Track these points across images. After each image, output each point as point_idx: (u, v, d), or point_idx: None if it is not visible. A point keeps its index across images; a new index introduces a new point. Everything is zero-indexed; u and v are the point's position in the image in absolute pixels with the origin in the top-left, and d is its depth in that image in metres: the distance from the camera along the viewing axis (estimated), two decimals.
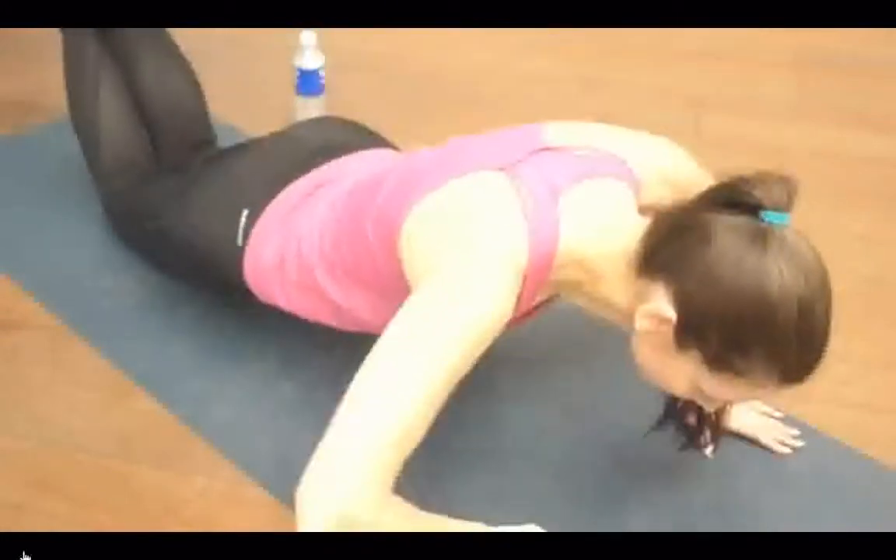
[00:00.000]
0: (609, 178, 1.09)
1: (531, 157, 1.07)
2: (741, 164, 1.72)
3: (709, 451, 1.27)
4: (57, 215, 1.69)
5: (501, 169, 1.05)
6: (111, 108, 1.58)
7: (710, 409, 1.09)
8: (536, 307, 1.18)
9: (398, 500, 0.99)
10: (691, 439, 1.23)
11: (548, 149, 1.10)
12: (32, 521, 1.18)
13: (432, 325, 0.97)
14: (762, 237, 0.92)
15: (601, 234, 1.04)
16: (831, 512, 1.21)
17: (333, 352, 1.37)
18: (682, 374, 1.00)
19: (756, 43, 2.40)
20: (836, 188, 1.85)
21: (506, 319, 1.01)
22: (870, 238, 1.70)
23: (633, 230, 1.03)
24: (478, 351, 1.00)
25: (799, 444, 1.29)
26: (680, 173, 1.21)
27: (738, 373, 0.95)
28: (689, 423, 1.24)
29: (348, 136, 1.45)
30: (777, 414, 1.33)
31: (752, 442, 1.29)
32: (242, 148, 1.49)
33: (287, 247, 1.25)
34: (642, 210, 1.10)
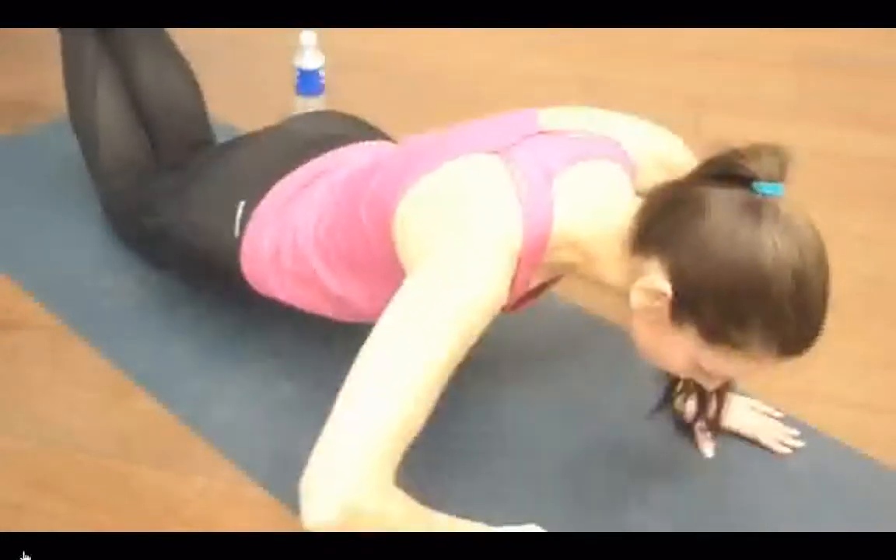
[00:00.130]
0: (604, 160, 1.09)
1: (525, 141, 1.07)
2: None
3: (709, 451, 1.27)
4: (57, 215, 1.69)
5: (495, 152, 1.04)
6: (109, 108, 1.58)
7: (710, 387, 1.08)
8: (535, 292, 1.18)
9: (401, 493, 0.99)
10: (695, 420, 1.23)
11: (542, 133, 1.10)
12: (32, 521, 1.18)
13: (426, 309, 0.97)
14: (755, 209, 0.92)
15: (595, 215, 1.04)
16: (831, 512, 1.21)
17: (333, 351, 1.37)
18: (680, 351, 1.00)
19: (756, 43, 2.40)
20: (836, 188, 1.85)
21: (501, 302, 1.01)
22: (870, 238, 1.70)
23: (627, 210, 1.03)
24: (473, 334, 0.99)
25: (799, 444, 1.29)
26: (675, 158, 1.21)
27: (736, 345, 0.95)
28: (688, 414, 1.24)
29: (346, 129, 1.45)
30: (777, 414, 1.33)
31: (752, 442, 1.29)
32: (238, 141, 1.49)
33: (283, 236, 1.25)
34: (638, 194, 1.10)
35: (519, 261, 1.01)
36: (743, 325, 0.93)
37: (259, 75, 2.22)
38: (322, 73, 1.98)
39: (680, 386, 1.23)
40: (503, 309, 1.10)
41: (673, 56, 2.34)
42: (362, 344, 0.99)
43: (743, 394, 1.34)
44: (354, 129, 1.46)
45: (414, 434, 0.98)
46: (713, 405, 1.21)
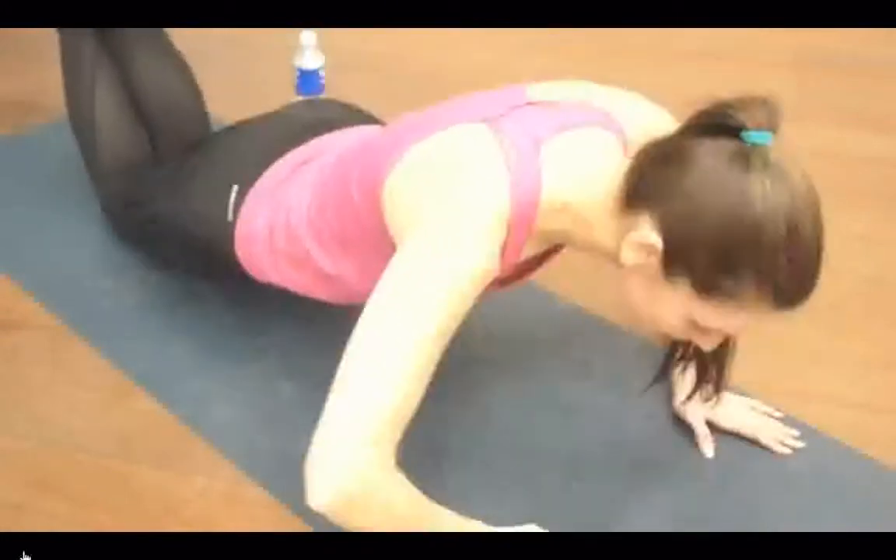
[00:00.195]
0: (595, 127, 1.08)
1: (513, 112, 1.06)
2: None
3: (709, 451, 1.27)
4: (57, 215, 1.69)
5: (484, 121, 1.04)
6: (108, 108, 1.58)
7: (707, 347, 1.07)
8: (530, 265, 1.18)
9: (402, 476, 0.99)
10: (695, 391, 1.23)
11: (531, 104, 1.09)
12: (32, 521, 1.18)
13: (415, 283, 0.97)
14: (744, 156, 0.91)
15: (585, 179, 1.03)
16: (831, 512, 1.21)
17: (334, 351, 1.37)
18: (673, 307, 0.99)
19: (756, 43, 2.40)
20: (836, 188, 1.84)
21: (492, 272, 1.00)
22: (870, 238, 1.70)
23: (617, 173, 1.01)
24: (465, 305, 0.99)
25: (799, 444, 1.29)
26: (666, 130, 1.21)
27: (730, 296, 0.94)
28: (687, 384, 1.24)
29: (341, 114, 1.45)
30: (777, 414, 1.33)
31: (752, 442, 1.29)
32: (232, 128, 1.50)
33: (276, 218, 1.25)
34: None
35: (509, 228, 1.00)
36: (735, 274, 0.92)
37: (259, 75, 2.22)
38: (322, 73, 1.98)
39: (679, 353, 1.22)
40: (500, 284, 1.10)
41: (673, 56, 2.34)
42: None
43: (743, 394, 1.34)
44: (351, 116, 1.46)
45: (411, 412, 0.98)
46: (713, 373, 1.20)
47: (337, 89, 2.01)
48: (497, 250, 1.00)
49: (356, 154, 1.17)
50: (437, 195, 1.00)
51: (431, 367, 0.98)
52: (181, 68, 1.63)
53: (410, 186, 1.03)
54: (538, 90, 1.13)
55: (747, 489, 1.24)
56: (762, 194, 0.90)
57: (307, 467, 0.96)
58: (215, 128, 1.67)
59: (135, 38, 1.59)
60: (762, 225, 0.90)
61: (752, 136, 0.92)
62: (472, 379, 1.39)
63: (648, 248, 0.97)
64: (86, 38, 1.59)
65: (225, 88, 1.96)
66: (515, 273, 1.14)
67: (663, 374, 1.24)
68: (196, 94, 1.63)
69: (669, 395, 1.33)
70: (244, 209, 1.29)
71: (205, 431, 1.30)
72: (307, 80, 1.97)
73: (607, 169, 1.03)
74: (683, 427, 1.30)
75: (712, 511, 1.21)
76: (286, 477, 1.23)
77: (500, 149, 1.01)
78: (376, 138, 1.15)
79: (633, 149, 1.13)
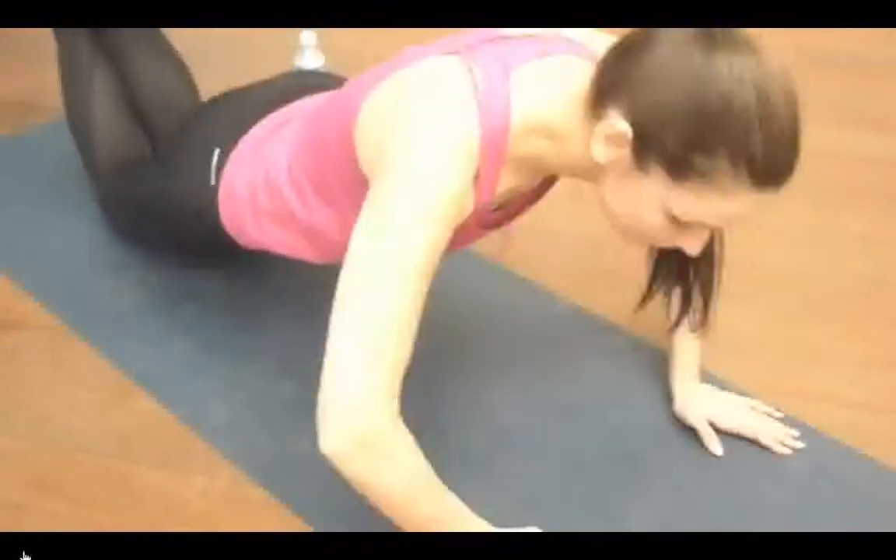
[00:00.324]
0: (569, 55, 1.07)
1: (486, 44, 1.06)
2: None
3: (718, 449, 1.27)
4: (57, 215, 1.69)
5: (455, 53, 1.04)
6: (105, 108, 1.58)
7: (692, 250, 1.04)
8: (519, 205, 1.18)
9: (409, 436, 0.99)
10: (679, 321, 1.23)
11: (503, 38, 1.09)
12: (32, 521, 1.18)
13: (389, 220, 0.96)
14: (708, 35, 0.91)
15: (556, 97, 1.02)
16: (831, 512, 1.21)
17: None
18: (651, 202, 0.97)
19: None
20: (836, 188, 1.85)
21: (465, 201, 1.00)
22: (870, 238, 1.70)
23: (587, 85, 1.00)
24: (441, 237, 0.98)
25: (799, 444, 1.29)
26: None
27: (704, 176, 0.92)
28: (672, 313, 1.25)
29: (327, 82, 1.45)
30: (777, 414, 1.33)
31: (752, 442, 1.29)
32: (213, 98, 1.50)
33: (256, 176, 1.26)
34: None
35: (481, 155, 0.99)
36: (708, 149, 0.91)
37: (259, 75, 2.20)
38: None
39: (663, 273, 1.21)
40: (490, 224, 1.10)
41: None
42: None
43: (743, 394, 1.35)
44: (333, 81, 1.46)
45: (407, 354, 0.97)
46: (699, 301, 1.20)
47: None
48: (469, 178, 0.99)
49: (331, 101, 1.17)
50: (405, 129, 0.99)
51: (419, 303, 0.97)
52: (178, 68, 1.63)
53: (379, 121, 1.03)
54: (513, 30, 1.12)
55: (747, 489, 1.24)
56: (728, 66, 0.89)
57: (319, 413, 0.96)
58: None
59: (131, 38, 1.59)
60: (730, 95, 0.89)
61: None
62: (472, 379, 1.39)
63: (618, 139, 0.95)
64: (82, 37, 1.59)
65: (225, 88, 1.96)
66: (504, 213, 1.14)
67: (648, 296, 1.23)
68: (194, 93, 1.63)
69: (670, 396, 1.33)
70: (226, 171, 1.30)
71: (205, 431, 1.30)
72: None
73: (579, 86, 1.01)
74: (684, 427, 1.30)
75: (712, 511, 1.21)
76: (286, 477, 1.24)
77: (469, 78, 1.00)
78: (353, 82, 1.14)
79: None
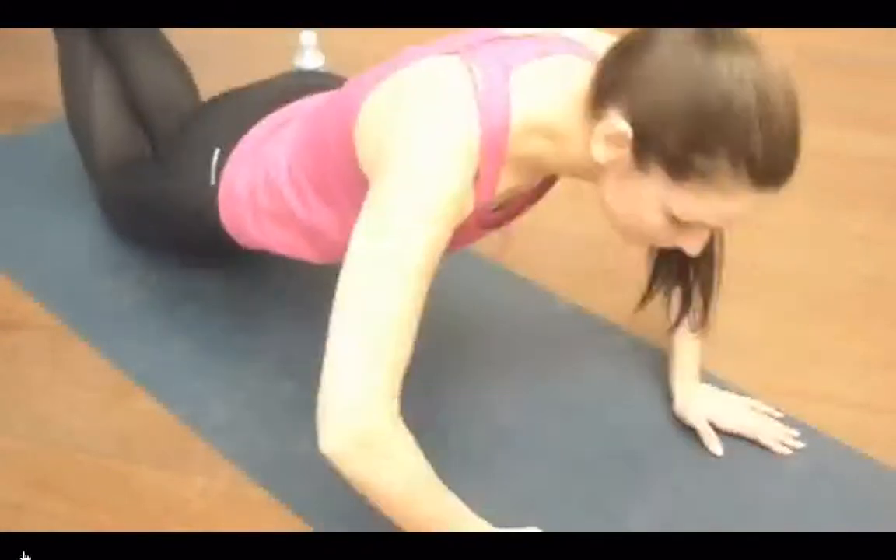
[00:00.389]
0: (569, 55, 1.07)
1: (486, 44, 1.06)
2: None
3: (718, 449, 1.27)
4: (57, 215, 1.69)
5: (455, 53, 1.04)
6: (105, 108, 1.58)
7: (693, 251, 1.04)
8: (520, 204, 1.18)
9: (409, 436, 0.99)
10: (678, 322, 1.23)
11: (503, 38, 1.09)
12: (32, 521, 1.18)
13: (389, 221, 0.96)
14: (708, 35, 0.91)
15: (556, 97, 1.02)
16: (831, 512, 1.21)
17: None
18: (651, 202, 0.97)
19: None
20: (836, 188, 1.85)
21: (465, 201, 1.00)
22: (870, 238, 1.70)
23: (587, 85, 1.00)
24: (441, 238, 0.98)
25: (799, 444, 1.29)
26: None
27: (704, 176, 0.92)
28: (672, 313, 1.24)
29: (327, 82, 1.45)
30: (777, 414, 1.33)
31: (752, 442, 1.29)
32: (213, 98, 1.50)
33: (256, 176, 1.26)
34: None
35: (481, 155, 0.99)
36: (707, 150, 0.91)
37: (259, 75, 2.20)
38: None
39: (663, 272, 1.21)
40: (491, 224, 1.10)
41: None
42: None
43: (743, 394, 1.35)
44: (333, 81, 1.46)
45: (407, 354, 0.97)
46: (699, 301, 1.20)
47: None
48: (469, 178, 0.99)
49: (331, 101, 1.17)
50: (405, 129, 0.98)
51: (419, 303, 0.97)
52: (178, 67, 1.63)
53: (379, 121, 1.03)
54: (513, 31, 1.12)
55: (747, 489, 1.24)
56: (728, 66, 0.89)
57: (319, 413, 0.96)
58: None
59: (131, 38, 1.59)
60: (730, 95, 0.89)
61: None
62: (472, 379, 1.39)
63: (618, 139, 0.95)
64: (82, 37, 1.59)
65: (225, 88, 1.96)
66: (504, 213, 1.14)
67: (648, 296, 1.23)
68: (193, 93, 1.64)
69: (670, 396, 1.33)
70: (226, 171, 1.30)
71: (205, 431, 1.30)
72: None
73: (578, 86, 1.01)
74: (684, 427, 1.30)
75: (712, 511, 1.21)
76: (286, 477, 1.24)
77: (469, 77, 1.00)
78: (353, 82, 1.14)
79: None
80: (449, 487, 1.04)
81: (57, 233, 1.66)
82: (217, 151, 1.32)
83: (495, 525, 1.07)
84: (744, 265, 1.61)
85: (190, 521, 1.19)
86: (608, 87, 0.96)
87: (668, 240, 1.03)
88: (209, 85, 1.68)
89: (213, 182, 1.31)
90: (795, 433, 1.30)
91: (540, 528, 1.14)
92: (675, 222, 0.99)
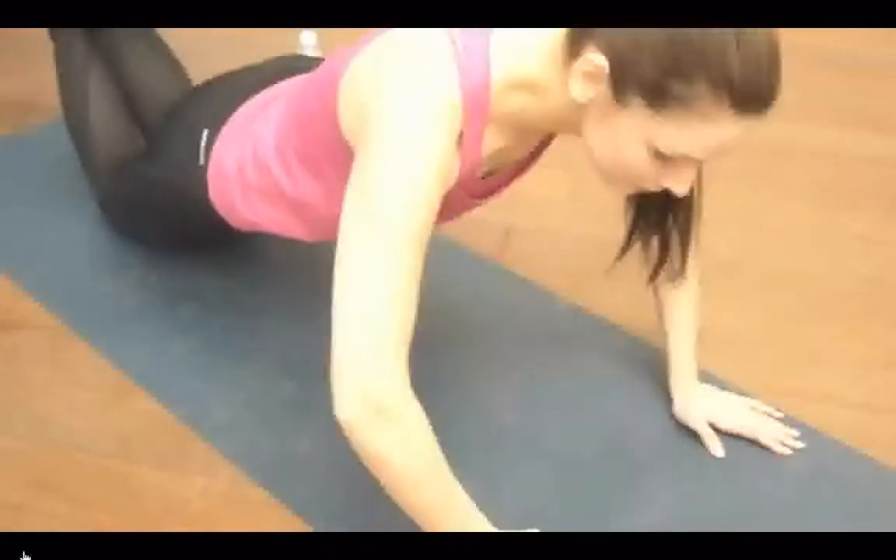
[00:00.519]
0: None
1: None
2: (741, 163, 1.72)
3: (719, 451, 1.27)
4: (57, 215, 1.69)
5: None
6: (102, 107, 1.59)
7: (679, 189, 1.02)
8: (509, 174, 1.17)
9: (421, 411, 0.99)
10: (657, 271, 1.22)
11: None
12: (32, 521, 1.18)
13: (376, 191, 0.96)
14: None
15: (533, 49, 1.02)
16: (831, 512, 1.21)
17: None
18: (633, 138, 0.96)
19: None
20: (836, 188, 1.85)
21: (451, 166, 1.00)
22: (870, 238, 1.70)
23: (562, 32, 1.00)
24: (430, 202, 0.97)
25: (799, 444, 1.29)
26: None
27: (684, 102, 0.91)
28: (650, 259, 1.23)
29: (317, 65, 1.46)
30: (777, 414, 1.33)
31: (752, 442, 1.29)
32: (203, 83, 1.51)
33: (244, 153, 1.27)
34: None
35: (464, 114, 0.99)
36: (685, 74, 0.90)
37: None
38: None
39: (641, 221, 1.20)
40: (485, 193, 1.10)
41: None
42: None
43: (743, 394, 1.35)
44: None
45: (411, 322, 0.97)
46: (677, 250, 1.19)
47: None
48: (453, 140, 0.99)
49: (315, 74, 1.17)
50: (386, 94, 0.98)
51: (415, 266, 0.97)
52: (172, 66, 1.64)
53: (360, 87, 1.03)
54: None
55: (747, 489, 1.24)
56: None
57: (333, 384, 0.96)
58: None
59: (125, 38, 1.59)
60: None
61: None
62: (472, 378, 1.39)
63: (596, 74, 0.95)
64: (77, 38, 1.59)
65: None
66: (493, 182, 1.14)
67: (626, 248, 1.21)
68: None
69: (670, 396, 1.33)
70: (215, 150, 1.31)
71: (205, 431, 1.30)
72: None
73: (554, 34, 1.01)
74: (684, 427, 1.30)
75: (712, 511, 1.21)
76: (286, 477, 1.24)
77: (448, 40, 1.01)
78: (334, 54, 1.14)
79: None
80: None
81: (57, 233, 1.66)
82: (206, 132, 1.33)
83: (495, 525, 1.07)
84: (744, 265, 1.61)
85: (190, 521, 1.19)
86: (580, 30, 0.96)
87: (654, 179, 1.01)
88: None
89: (202, 162, 1.32)
90: (795, 433, 1.30)
91: (540, 528, 1.14)
92: (660, 158, 0.98)
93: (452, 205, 1.08)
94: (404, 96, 0.97)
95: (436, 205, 0.99)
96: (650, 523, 1.19)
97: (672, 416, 1.32)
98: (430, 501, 1.01)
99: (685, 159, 0.98)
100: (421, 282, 0.98)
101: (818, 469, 1.27)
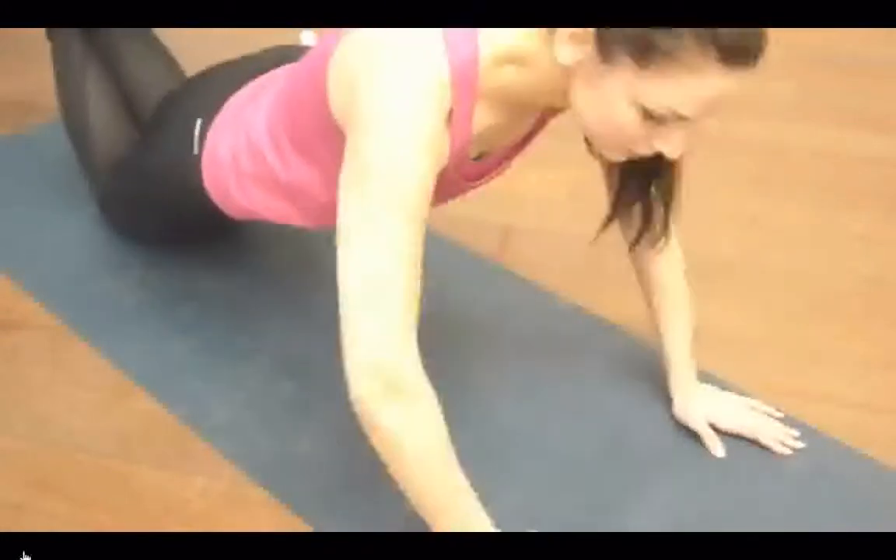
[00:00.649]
0: None
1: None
2: (741, 163, 1.72)
3: (720, 451, 1.27)
4: (57, 215, 1.69)
5: None
6: (100, 108, 1.59)
7: (672, 151, 1.01)
8: (503, 154, 1.17)
9: (433, 392, 0.99)
10: (638, 239, 1.22)
11: None
12: (32, 521, 1.18)
13: (369, 167, 0.96)
14: None
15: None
16: (831, 512, 1.21)
17: (335, 350, 1.37)
18: (621, 97, 0.96)
19: None
20: (836, 188, 1.85)
21: (442, 143, 1.00)
22: (870, 238, 1.70)
23: None
24: (424, 178, 0.97)
25: (799, 444, 1.29)
26: None
27: (670, 55, 0.91)
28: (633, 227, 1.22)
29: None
30: (777, 414, 1.33)
31: (753, 442, 1.29)
32: (197, 74, 1.52)
33: (238, 140, 1.27)
34: None
35: (453, 91, 0.99)
36: (671, 27, 0.91)
37: None
38: None
39: (627, 189, 1.19)
40: (478, 176, 1.10)
41: None
42: None
43: (743, 394, 1.35)
44: None
45: (413, 289, 0.97)
46: (659, 214, 1.18)
47: None
48: (442, 117, 0.99)
49: (305, 58, 1.18)
50: (374, 73, 0.99)
51: (418, 247, 0.97)
52: (170, 65, 1.64)
53: (349, 67, 1.03)
54: None
55: (747, 489, 1.24)
56: None
57: (345, 364, 0.96)
58: None
59: (121, 38, 1.59)
60: None
61: None
62: (472, 378, 1.39)
63: (581, 34, 0.96)
64: (74, 38, 1.59)
65: None
66: (485, 164, 1.14)
67: (611, 218, 1.21)
68: None
69: (670, 396, 1.33)
70: (208, 138, 1.32)
71: (205, 431, 1.30)
72: None
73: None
74: (683, 427, 1.30)
75: (712, 511, 1.21)
76: (286, 477, 1.24)
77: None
78: (324, 37, 1.15)
79: None
80: None
81: (57, 233, 1.66)
82: (199, 121, 1.34)
83: (495, 525, 1.07)
84: (744, 265, 1.61)
85: (190, 521, 1.19)
86: None
87: (645, 141, 1.01)
88: None
89: (196, 151, 1.33)
90: (795, 433, 1.30)
91: (540, 528, 1.14)
92: (650, 119, 0.97)
93: (446, 186, 1.08)
94: (393, 75, 0.98)
95: (429, 184, 0.99)
96: (650, 523, 1.19)
97: (672, 417, 1.32)
98: (437, 488, 1.01)
99: (675, 120, 0.97)
100: (421, 282, 0.98)
101: (818, 469, 1.27)
